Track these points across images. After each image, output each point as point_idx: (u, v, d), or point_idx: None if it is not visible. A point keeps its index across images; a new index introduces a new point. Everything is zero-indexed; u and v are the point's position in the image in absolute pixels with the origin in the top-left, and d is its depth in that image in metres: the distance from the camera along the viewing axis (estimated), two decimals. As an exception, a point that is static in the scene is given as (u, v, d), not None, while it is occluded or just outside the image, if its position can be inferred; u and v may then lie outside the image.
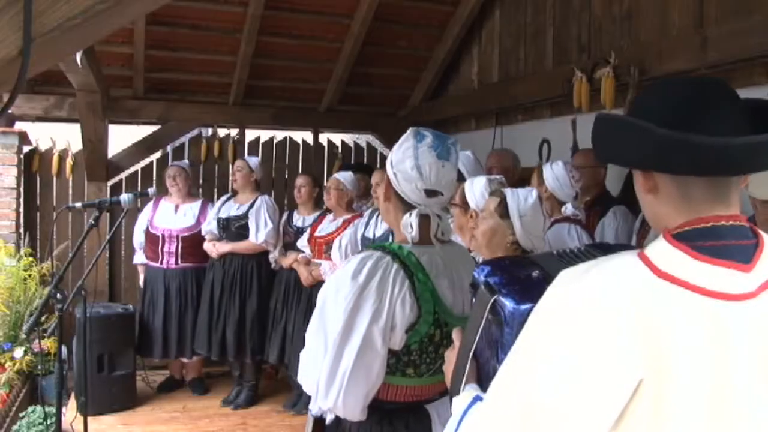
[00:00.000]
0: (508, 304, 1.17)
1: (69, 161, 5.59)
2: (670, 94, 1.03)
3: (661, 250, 0.98)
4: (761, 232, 1.01)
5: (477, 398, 1.20)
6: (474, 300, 1.30)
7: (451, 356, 1.37)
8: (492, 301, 1.20)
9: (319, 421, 1.83)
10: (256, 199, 4.96)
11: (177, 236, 5.03)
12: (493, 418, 1.00)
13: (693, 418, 0.89)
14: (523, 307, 1.14)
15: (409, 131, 1.84)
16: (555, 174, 3.19)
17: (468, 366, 1.27)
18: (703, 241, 0.97)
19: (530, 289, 1.18)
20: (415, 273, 1.75)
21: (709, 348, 0.91)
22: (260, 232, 4.83)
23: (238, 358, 4.92)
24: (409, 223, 1.81)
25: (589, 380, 0.90)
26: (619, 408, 0.89)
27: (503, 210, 2.26)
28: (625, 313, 0.92)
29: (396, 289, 1.71)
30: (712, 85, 1.02)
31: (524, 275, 1.24)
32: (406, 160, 1.80)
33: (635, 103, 1.08)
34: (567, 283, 1.00)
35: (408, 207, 1.85)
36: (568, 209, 3.18)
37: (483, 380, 1.26)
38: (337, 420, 1.79)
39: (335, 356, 1.67)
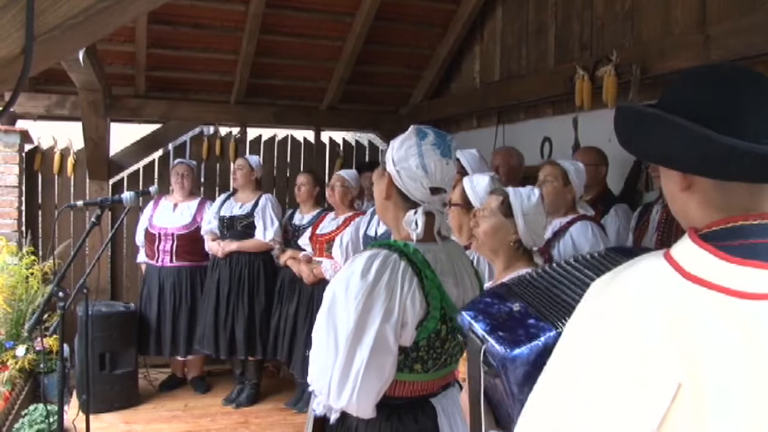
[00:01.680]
0: (498, 352, 1.15)
1: (71, 160, 5.59)
2: (708, 86, 0.98)
3: (687, 251, 0.96)
4: None
5: None
6: (467, 348, 1.28)
7: (464, 399, 1.36)
8: (483, 351, 1.19)
9: (319, 420, 1.82)
10: (260, 197, 4.97)
11: (173, 234, 5.03)
12: None
13: (733, 420, 0.88)
14: (513, 353, 1.13)
15: (411, 129, 1.85)
16: (578, 171, 3.18)
17: (483, 415, 1.25)
18: (731, 240, 0.94)
19: (515, 330, 1.17)
20: (422, 270, 1.75)
21: (743, 349, 0.89)
22: (268, 231, 4.85)
23: (247, 357, 4.91)
24: (414, 220, 1.81)
25: (628, 389, 0.89)
26: (659, 414, 0.88)
27: (506, 208, 2.26)
28: (657, 319, 0.90)
29: (405, 286, 1.71)
30: (752, 77, 0.97)
31: (506, 313, 1.22)
32: (411, 158, 1.80)
33: (668, 94, 1.03)
34: (594, 294, 0.99)
35: (410, 205, 1.84)
36: (583, 207, 3.20)
37: (501, 421, 1.25)
38: (342, 418, 1.78)
39: (347, 356, 1.67)
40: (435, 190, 1.82)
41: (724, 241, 0.94)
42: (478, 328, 1.22)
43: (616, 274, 0.98)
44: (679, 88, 1.02)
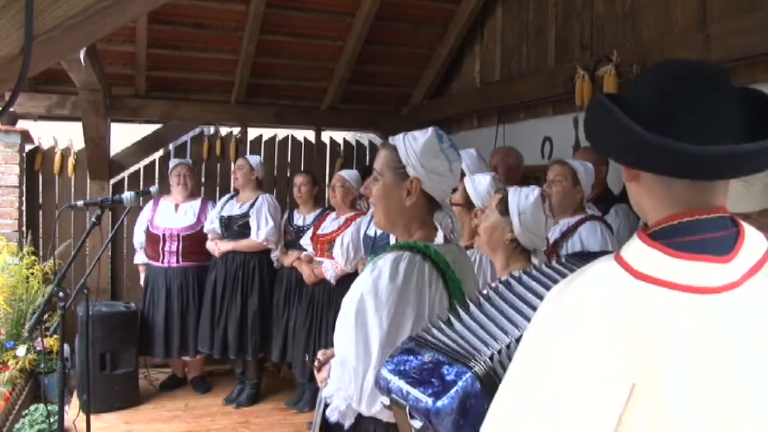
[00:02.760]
0: (421, 409, 1.17)
1: (71, 160, 5.59)
2: (656, 84, 1.00)
3: (636, 250, 0.97)
4: (741, 221, 1.00)
5: None
6: (391, 406, 1.30)
7: None
8: (407, 410, 1.19)
9: (331, 427, 1.81)
10: (258, 197, 4.97)
11: (178, 235, 5.03)
12: None
13: (692, 416, 0.89)
14: (436, 406, 1.14)
15: (431, 132, 1.83)
16: (587, 171, 3.18)
17: None
18: (680, 237, 0.95)
19: (431, 381, 1.18)
20: (446, 271, 1.75)
21: (697, 343, 0.90)
22: (261, 231, 4.84)
23: (239, 356, 4.92)
24: (449, 221, 1.83)
25: (582, 393, 0.90)
26: (615, 416, 0.88)
27: (503, 207, 2.25)
28: (608, 321, 0.91)
29: (432, 287, 1.71)
30: (702, 78, 0.98)
31: (418, 367, 1.24)
32: (438, 161, 1.81)
33: (629, 87, 1.06)
34: (550, 300, 1.00)
35: (434, 207, 1.86)
36: (590, 208, 3.20)
37: None
38: (356, 424, 1.77)
39: (380, 361, 1.63)
40: (452, 191, 1.85)
41: (673, 237, 0.96)
42: (398, 387, 1.23)
43: (570, 280, 1.00)
44: (636, 83, 1.05)
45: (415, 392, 1.18)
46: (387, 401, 1.62)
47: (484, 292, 1.39)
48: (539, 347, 0.97)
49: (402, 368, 1.25)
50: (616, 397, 0.88)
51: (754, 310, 0.92)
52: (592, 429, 0.89)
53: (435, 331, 1.33)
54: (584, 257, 1.29)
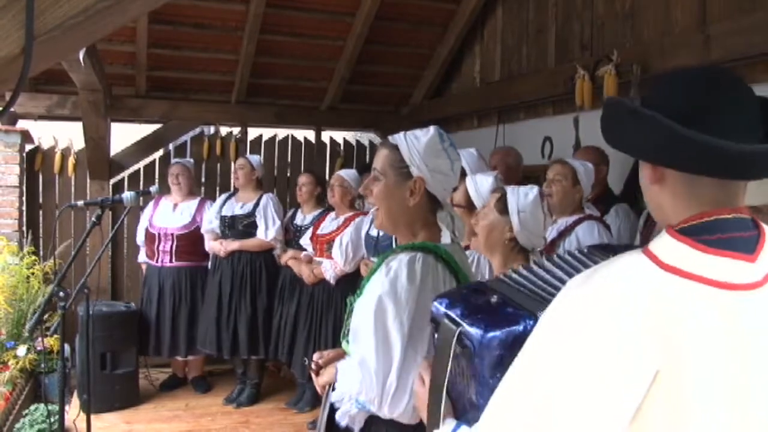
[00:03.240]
0: (475, 333, 1.14)
1: (71, 160, 5.59)
2: (686, 85, 1.02)
3: (665, 244, 0.98)
4: (762, 224, 1.01)
5: (459, 424, 1.18)
6: (437, 335, 1.26)
7: (421, 393, 1.35)
8: (457, 333, 1.17)
9: (338, 430, 1.79)
10: (261, 197, 4.98)
11: (172, 235, 5.04)
12: (505, 425, 0.98)
13: (712, 407, 0.90)
14: (491, 334, 1.12)
15: (433, 131, 1.82)
16: (587, 171, 3.19)
17: (443, 403, 1.23)
18: (708, 234, 0.96)
19: (493, 315, 1.16)
20: (457, 270, 1.75)
21: (722, 337, 0.91)
22: (269, 230, 4.86)
23: (250, 356, 4.92)
24: (450, 221, 1.85)
25: (604, 375, 0.90)
26: (636, 401, 0.89)
27: (503, 206, 2.24)
28: (634, 309, 0.91)
29: (447, 287, 1.70)
30: (729, 79, 1.01)
31: (483, 302, 1.21)
32: (441, 160, 1.80)
33: (651, 91, 1.06)
34: (573, 287, 1.00)
35: (436, 207, 1.85)
36: (589, 207, 3.20)
37: (459, 414, 1.22)
38: (366, 427, 1.76)
39: (404, 364, 1.64)
40: (453, 190, 1.85)
41: (701, 235, 0.97)
42: (454, 313, 1.20)
43: (594, 270, 1.00)
44: (660, 87, 1.06)
45: (474, 317, 1.16)
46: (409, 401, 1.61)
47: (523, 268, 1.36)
48: (557, 330, 0.96)
49: (466, 299, 1.23)
50: (639, 382, 0.89)
51: None
52: (611, 413, 0.89)
53: (506, 279, 1.31)
54: (608, 250, 1.28)
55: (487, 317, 1.16)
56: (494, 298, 1.21)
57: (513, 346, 1.08)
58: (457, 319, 1.18)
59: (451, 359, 1.19)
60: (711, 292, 0.92)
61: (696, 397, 0.89)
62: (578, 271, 1.18)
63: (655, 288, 0.93)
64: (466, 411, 1.18)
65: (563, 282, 1.13)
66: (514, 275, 1.29)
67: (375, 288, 1.72)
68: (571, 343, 0.94)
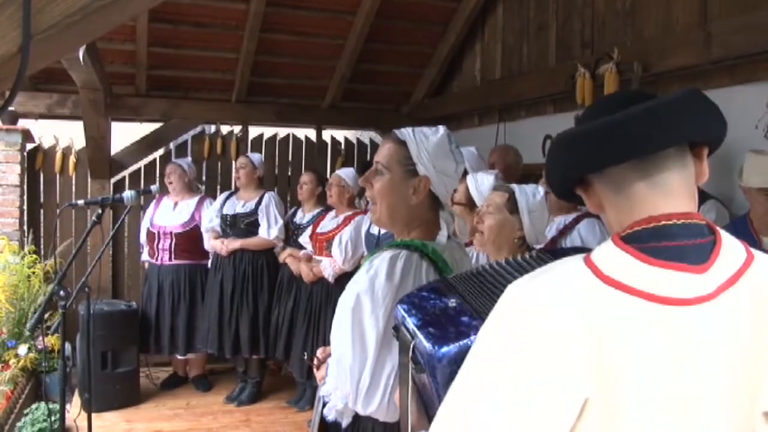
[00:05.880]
0: (427, 349, 1.12)
1: (72, 159, 5.59)
2: (593, 109, 1.02)
3: (607, 253, 0.92)
4: (719, 229, 0.94)
5: None
6: (398, 344, 1.26)
7: (395, 398, 1.35)
8: (412, 347, 1.16)
9: (329, 425, 1.80)
10: (263, 195, 4.98)
11: (171, 233, 5.05)
12: None
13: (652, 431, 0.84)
14: (441, 351, 1.10)
15: (443, 131, 1.82)
16: None
17: (409, 414, 1.21)
18: (656, 242, 0.90)
19: (446, 326, 1.14)
20: (443, 269, 1.74)
21: (665, 359, 0.84)
22: (272, 229, 4.86)
23: (252, 355, 4.91)
24: (454, 220, 1.83)
25: (532, 402, 0.84)
26: (566, 428, 0.83)
27: (512, 205, 2.28)
28: (569, 326, 0.85)
29: None
30: (631, 94, 1.00)
31: (440, 309, 1.19)
32: (448, 161, 1.80)
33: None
34: (509, 298, 0.94)
35: (436, 206, 1.84)
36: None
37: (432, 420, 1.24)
38: (354, 423, 1.75)
39: (378, 360, 1.64)
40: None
41: (647, 242, 0.90)
42: (410, 322, 1.19)
43: (533, 277, 0.95)
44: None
45: (426, 331, 1.14)
46: (386, 400, 1.62)
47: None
48: (492, 345, 0.91)
49: (424, 305, 1.21)
50: (567, 411, 0.83)
51: (725, 325, 0.86)
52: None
53: (466, 280, 1.29)
54: (557, 254, 1.27)
55: (439, 330, 1.14)
56: (452, 302, 1.19)
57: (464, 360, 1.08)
58: (412, 330, 1.17)
59: (410, 371, 1.18)
60: (653, 309, 0.85)
61: (630, 423, 0.83)
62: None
63: (593, 303, 0.86)
64: None
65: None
66: (478, 273, 1.28)
67: (355, 285, 1.72)
68: (502, 361, 0.88)
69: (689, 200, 0.95)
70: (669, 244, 0.89)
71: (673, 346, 0.85)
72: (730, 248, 0.91)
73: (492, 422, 0.85)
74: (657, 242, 0.89)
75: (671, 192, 0.93)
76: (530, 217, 2.25)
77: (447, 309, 1.18)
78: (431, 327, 1.15)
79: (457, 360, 1.08)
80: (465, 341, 1.10)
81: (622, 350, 0.84)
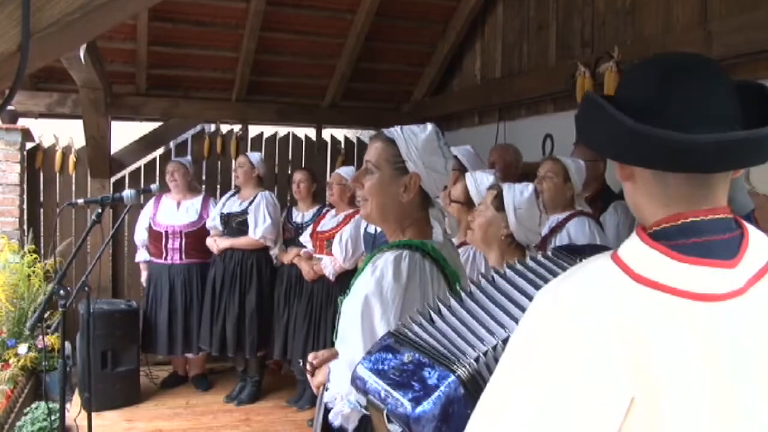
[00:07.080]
0: (401, 415, 1.10)
1: (72, 158, 5.59)
2: (643, 77, 0.95)
3: (636, 251, 0.91)
4: (745, 223, 0.93)
5: None
6: (369, 408, 1.23)
7: None
8: (385, 414, 1.13)
9: (333, 430, 1.79)
10: (257, 195, 4.96)
11: (181, 232, 5.04)
12: None
13: (695, 429, 0.84)
14: (416, 413, 1.08)
15: (431, 128, 1.82)
16: (578, 169, 3.20)
17: None
18: (684, 239, 0.89)
19: (411, 384, 1.11)
20: (445, 267, 1.75)
21: (700, 354, 0.85)
22: (258, 228, 4.83)
23: (237, 354, 4.92)
24: (446, 218, 1.83)
25: (576, 408, 0.84)
26: (615, 428, 0.83)
27: (499, 202, 2.28)
28: (605, 329, 0.85)
29: (435, 284, 1.70)
30: (688, 68, 0.93)
31: (399, 368, 1.16)
32: (437, 157, 1.80)
33: (620, 84, 1.01)
34: (541, 304, 0.93)
35: (426, 203, 1.84)
36: (581, 205, 3.21)
37: None
38: (360, 427, 1.74)
39: None
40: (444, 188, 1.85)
41: (676, 239, 0.89)
42: (375, 389, 1.16)
43: (563, 279, 0.94)
44: (624, 80, 1.01)
45: (395, 395, 1.11)
46: (364, 401, 1.61)
47: (467, 288, 1.33)
48: (527, 353, 0.90)
49: (380, 367, 1.17)
50: (614, 413, 0.83)
51: (759, 319, 0.87)
52: None
53: (416, 328, 1.26)
54: (572, 251, 1.24)
55: (406, 392, 1.11)
56: (407, 357, 1.16)
57: (443, 413, 1.06)
58: (378, 402, 1.14)
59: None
60: (687, 306, 0.85)
61: (675, 420, 0.84)
62: (532, 283, 1.16)
63: (626, 303, 0.86)
64: None
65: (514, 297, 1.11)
66: (416, 329, 1.25)
67: (361, 288, 1.71)
68: (539, 370, 0.87)
69: (723, 196, 0.94)
70: (697, 240, 0.89)
71: (710, 341, 0.85)
72: (757, 242, 0.91)
73: (540, 424, 0.85)
74: (686, 239, 0.89)
75: (710, 194, 0.93)
76: (516, 215, 2.22)
77: (404, 367, 1.15)
78: (398, 389, 1.12)
79: (435, 415, 1.06)
80: (437, 395, 1.08)
81: (660, 348, 0.84)
